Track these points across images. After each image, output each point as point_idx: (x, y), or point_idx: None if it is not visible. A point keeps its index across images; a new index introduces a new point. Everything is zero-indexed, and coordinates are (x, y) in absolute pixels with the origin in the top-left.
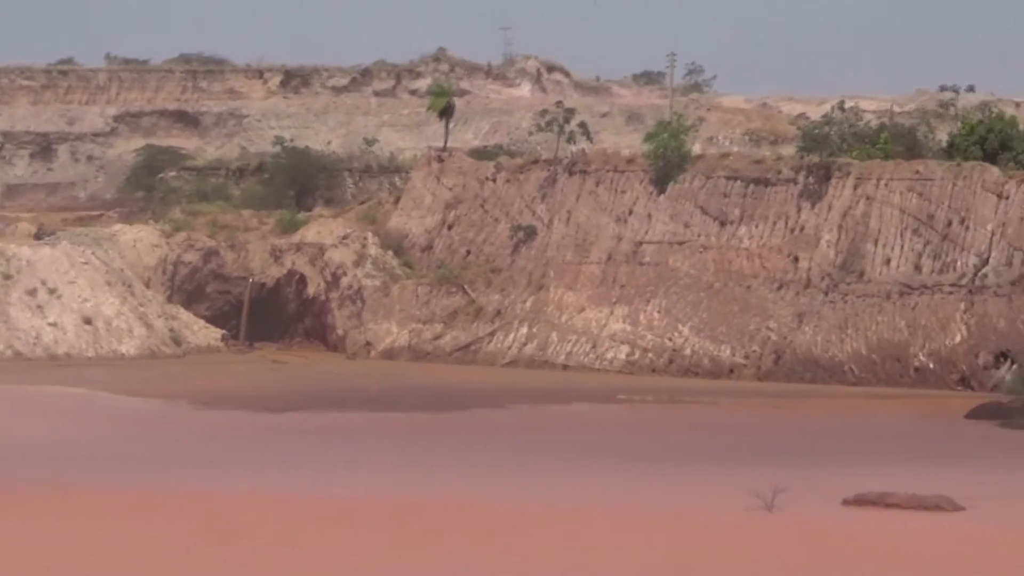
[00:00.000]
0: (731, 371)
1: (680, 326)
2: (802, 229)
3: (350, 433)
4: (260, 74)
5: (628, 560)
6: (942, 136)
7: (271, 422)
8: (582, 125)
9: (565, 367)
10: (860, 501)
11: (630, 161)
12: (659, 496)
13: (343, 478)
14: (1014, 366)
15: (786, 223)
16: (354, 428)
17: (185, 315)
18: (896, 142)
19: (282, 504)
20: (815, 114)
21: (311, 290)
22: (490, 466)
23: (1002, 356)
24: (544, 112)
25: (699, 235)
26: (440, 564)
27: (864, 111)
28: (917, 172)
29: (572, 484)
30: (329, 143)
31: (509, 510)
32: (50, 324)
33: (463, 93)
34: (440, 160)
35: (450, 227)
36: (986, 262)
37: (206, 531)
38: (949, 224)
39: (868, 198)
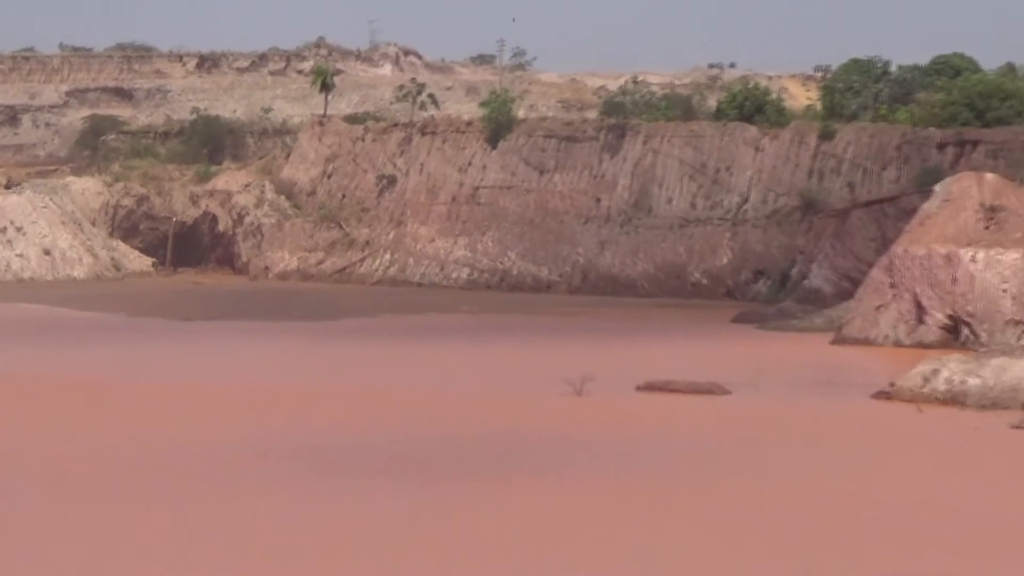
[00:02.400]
0: (548, 287)
1: (509, 252)
2: (603, 176)
3: (246, 333)
4: (180, 58)
5: (469, 431)
6: (712, 103)
7: (174, 326)
8: (431, 96)
9: (420, 285)
10: (650, 387)
11: (469, 124)
12: (492, 382)
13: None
14: (768, 281)
15: (590, 172)
16: (246, 329)
17: (123, 247)
18: (676, 108)
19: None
20: (613, 86)
21: (221, 227)
22: (345, 361)
23: (759, 273)
24: (402, 87)
25: (523, 181)
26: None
27: (651, 83)
28: (692, 131)
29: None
30: (235, 112)
31: (361, 391)
32: (17, 255)
33: (338, 72)
34: (321, 124)
35: (329, 176)
36: (746, 200)
37: None
38: (717, 171)
39: (654, 151)
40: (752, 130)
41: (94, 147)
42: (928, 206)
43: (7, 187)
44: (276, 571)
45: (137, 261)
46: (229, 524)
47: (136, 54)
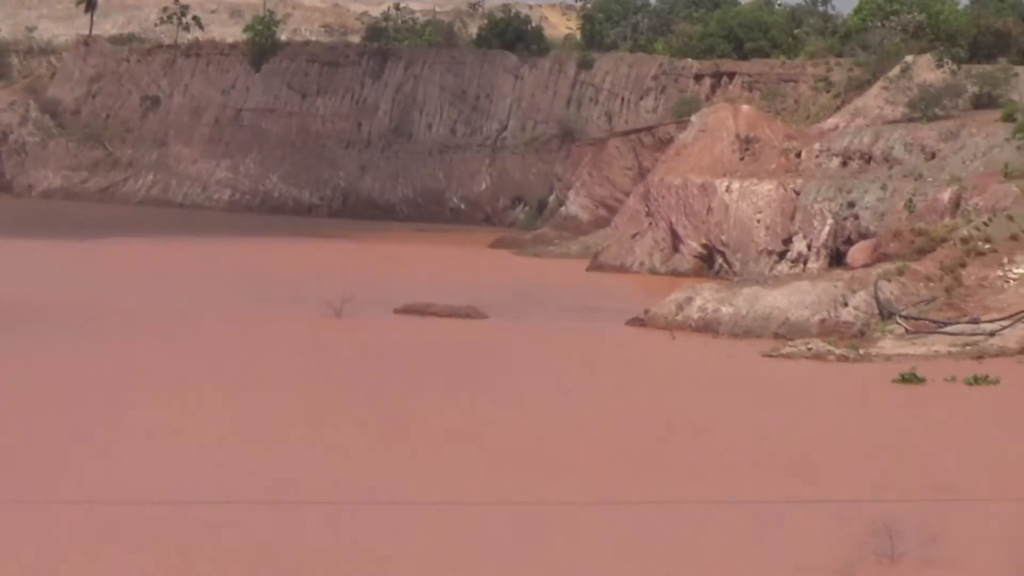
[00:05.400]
0: (309, 210)
1: (270, 175)
2: (365, 101)
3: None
4: None
5: (238, 353)
6: (473, 30)
7: None
8: (196, 19)
9: (182, 205)
10: (407, 310)
11: (233, 47)
12: (257, 306)
13: None
14: (526, 207)
15: (352, 96)
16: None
17: None
18: (438, 34)
19: None
20: (376, 12)
21: None
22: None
23: (517, 200)
24: (166, 9)
25: (286, 104)
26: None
27: (414, 11)
28: (453, 58)
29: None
30: (0, 30)
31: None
32: None
33: None
34: (86, 45)
35: (94, 97)
36: (505, 128)
37: None
38: (477, 98)
39: (416, 77)
40: (512, 58)
41: None
42: (684, 136)
43: None
44: None
45: None
46: None
47: None
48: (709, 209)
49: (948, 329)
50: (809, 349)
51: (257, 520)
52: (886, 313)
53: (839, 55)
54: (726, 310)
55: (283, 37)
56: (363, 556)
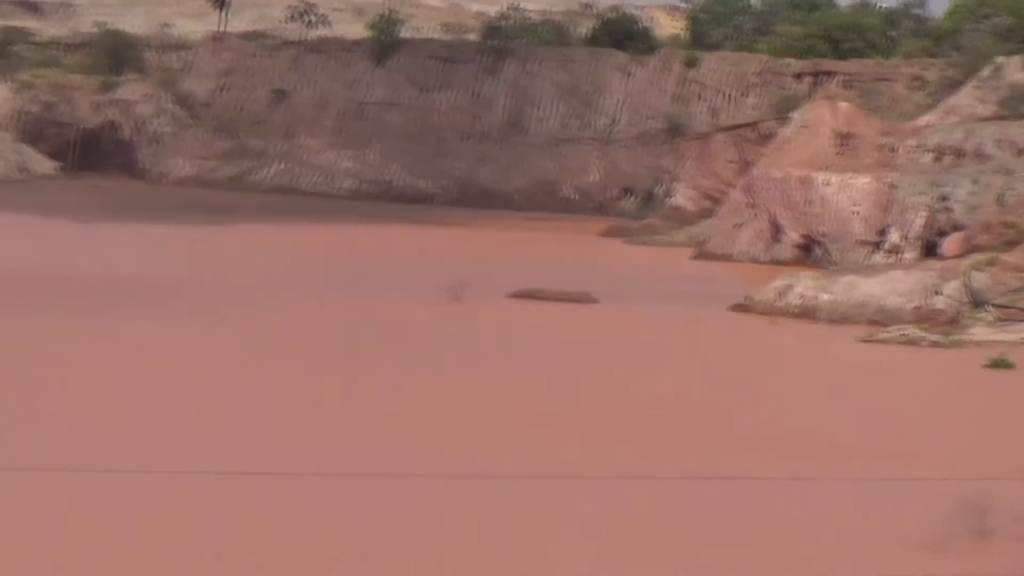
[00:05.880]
0: (428, 199)
1: (392, 165)
2: (482, 96)
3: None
4: None
5: (376, 330)
6: (585, 30)
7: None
8: (322, 16)
9: (308, 193)
10: (522, 295)
11: (357, 43)
12: (379, 289)
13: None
14: (634, 198)
15: (470, 91)
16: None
17: (30, 151)
18: (551, 34)
19: None
20: (492, 12)
21: (123, 134)
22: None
23: (626, 190)
24: (294, 7)
25: (407, 99)
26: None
27: (528, 10)
28: (565, 55)
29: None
30: (137, 27)
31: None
32: None
33: None
34: (218, 40)
35: (225, 90)
36: (615, 122)
37: None
38: (588, 94)
39: (530, 74)
40: (622, 56)
41: (4, 57)
42: (785, 132)
43: None
44: None
45: (43, 165)
46: None
47: None
48: (808, 201)
49: None
50: (903, 335)
51: (375, 490)
52: (977, 301)
53: (933, 56)
54: (824, 297)
55: (404, 35)
56: (485, 528)
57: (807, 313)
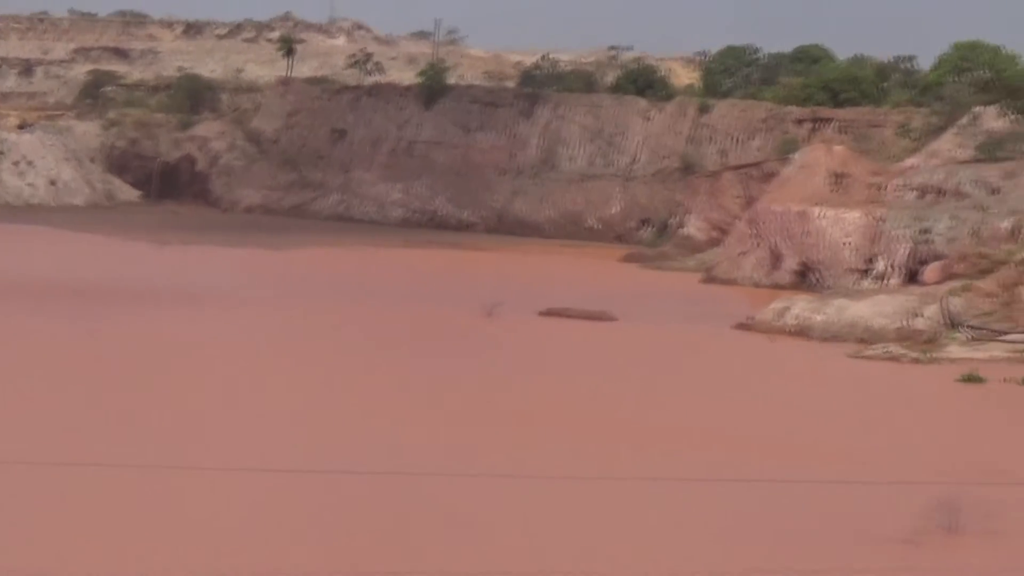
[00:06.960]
0: (469, 227)
1: (437, 197)
2: (517, 136)
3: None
4: (170, 24)
5: (401, 337)
6: (610, 78)
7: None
8: (377, 64)
9: (362, 221)
10: (549, 313)
11: (408, 88)
12: (420, 305)
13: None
14: (651, 228)
15: (507, 132)
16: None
17: (116, 181)
18: (580, 82)
19: None
20: (528, 61)
21: (199, 167)
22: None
23: (644, 221)
24: (353, 55)
25: (451, 138)
26: None
27: (560, 60)
28: (592, 101)
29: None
30: (213, 71)
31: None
32: (28, 184)
33: (301, 41)
34: (285, 84)
35: (290, 128)
36: (635, 160)
37: None
38: (612, 136)
39: (561, 117)
40: (642, 102)
41: (95, 97)
42: (786, 171)
43: (21, 128)
44: None
45: (127, 193)
46: None
47: (133, 20)
48: (806, 232)
49: (1006, 337)
50: (887, 352)
51: (432, 487)
52: (953, 323)
53: (919, 105)
54: (818, 318)
55: (451, 81)
56: (513, 524)
57: (802, 332)
